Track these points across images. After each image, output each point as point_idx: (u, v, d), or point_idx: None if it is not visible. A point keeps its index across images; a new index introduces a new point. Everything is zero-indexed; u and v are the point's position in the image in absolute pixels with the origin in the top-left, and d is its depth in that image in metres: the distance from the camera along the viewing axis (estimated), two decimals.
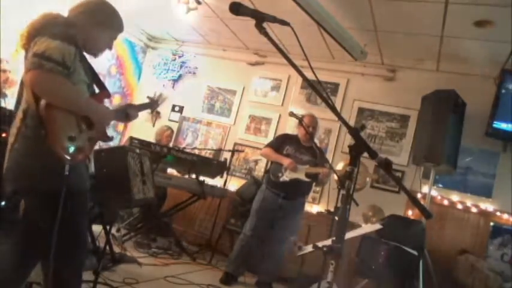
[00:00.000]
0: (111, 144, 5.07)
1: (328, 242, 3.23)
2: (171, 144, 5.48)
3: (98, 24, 1.83)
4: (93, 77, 1.87)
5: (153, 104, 2.49)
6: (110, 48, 1.95)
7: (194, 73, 6.14)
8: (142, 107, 2.30)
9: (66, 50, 1.62)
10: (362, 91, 5.12)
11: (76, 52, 1.69)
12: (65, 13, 1.84)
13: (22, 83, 1.73)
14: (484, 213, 4.21)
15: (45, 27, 1.68)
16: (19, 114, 1.68)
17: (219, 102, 5.93)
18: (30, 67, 1.56)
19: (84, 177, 1.80)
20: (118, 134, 6.24)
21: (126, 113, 2.07)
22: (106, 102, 1.96)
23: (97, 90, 1.90)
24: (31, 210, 1.68)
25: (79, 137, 1.67)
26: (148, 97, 2.43)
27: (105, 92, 1.92)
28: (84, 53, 1.85)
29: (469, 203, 4.31)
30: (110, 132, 2.00)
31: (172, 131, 5.61)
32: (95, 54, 1.91)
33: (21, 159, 1.64)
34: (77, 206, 1.69)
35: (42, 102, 1.58)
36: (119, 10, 1.92)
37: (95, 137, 1.83)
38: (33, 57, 1.56)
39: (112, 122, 2.27)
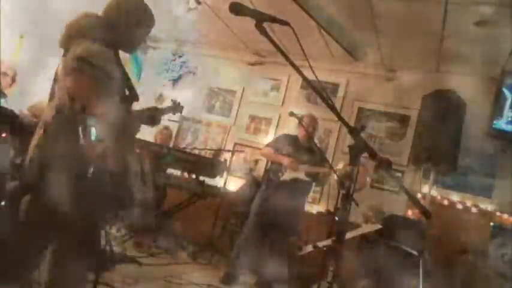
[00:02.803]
0: None
1: (328, 242, 3.23)
2: (171, 144, 5.46)
3: (134, 23, 1.87)
4: (125, 79, 1.89)
5: (176, 108, 2.46)
6: (144, 43, 1.99)
7: (194, 73, 6.13)
8: (167, 110, 2.28)
9: (106, 55, 1.67)
10: (362, 91, 5.11)
11: (115, 56, 1.73)
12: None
13: (55, 79, 1.76)
14: (484, 213, 4.21)
15: (86, 29, 1.71)
16: (50, 110, 1.70)
17: (219, 102, 5.93)
18: (71, 70, 1.59)
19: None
20: None
21: (152, 117, 2.07)
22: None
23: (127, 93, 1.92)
24: (40, 206, 1.66)
25: (107, 140, 1.68)
26: (172, 100, 2.40)
27: (134, 95, 1.94)
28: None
29: (469, 203, 4.31)
30: None
31: (169, 131, 5.51)
32: (131, 51, 1.97)
33: (47, 154, 1.64)
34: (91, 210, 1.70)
35: (78, 104, 1.60)
36: None
37: (122, 142, 1.84)
38: (75, 60, 1.59)
39: None
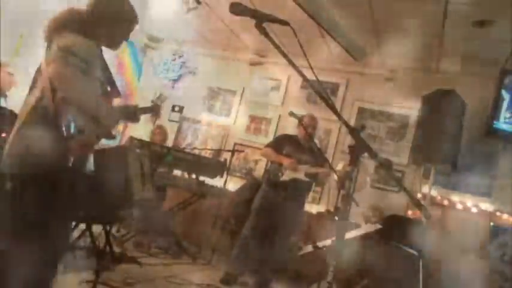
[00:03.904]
0: (112, 144, 5.06)
1: (328, 242, 3.23)
2: (170, 144, 5.45)
3: (116, 18, 1.90)
4: (107, 75, 1.92)
5: (155, 110, 2.49)
6: (127, 40, 2.01)
7: (194, 73, 6.13)
8: (147, 110, 2.31)
9: (89, 47, 1.70)
10: (362, 91, 5.12)
11: (97, 49, 1.77)
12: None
13: (38, 71, 1.78)
14: (484, 213, 4.21)
15: (70, 22, 1.75)
16: (31, 101, 1.71)
17: (219, 102, 5.93)
18: (54, 60, 1.62)
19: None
20: (118, 134, 6.24)
21: (132, 114, 2.10)
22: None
23: (108, 89, 1.94)
24: (25, 197, 1.66)
25: (87, 131, 1.72)
26: (152, 101, 2.43)
27: (115, 91, 1.96)
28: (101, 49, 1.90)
29: (469, 203, 4.31)
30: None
31: (164, 131, 5.22)
32: (115, 47, 1.97)
33: (27, 146, 1.65)
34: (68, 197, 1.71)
35: (59, 94, 1.62)
36: None
37: (100, 134, 1.88)
38: (59, 50, 1.62)
39: None
